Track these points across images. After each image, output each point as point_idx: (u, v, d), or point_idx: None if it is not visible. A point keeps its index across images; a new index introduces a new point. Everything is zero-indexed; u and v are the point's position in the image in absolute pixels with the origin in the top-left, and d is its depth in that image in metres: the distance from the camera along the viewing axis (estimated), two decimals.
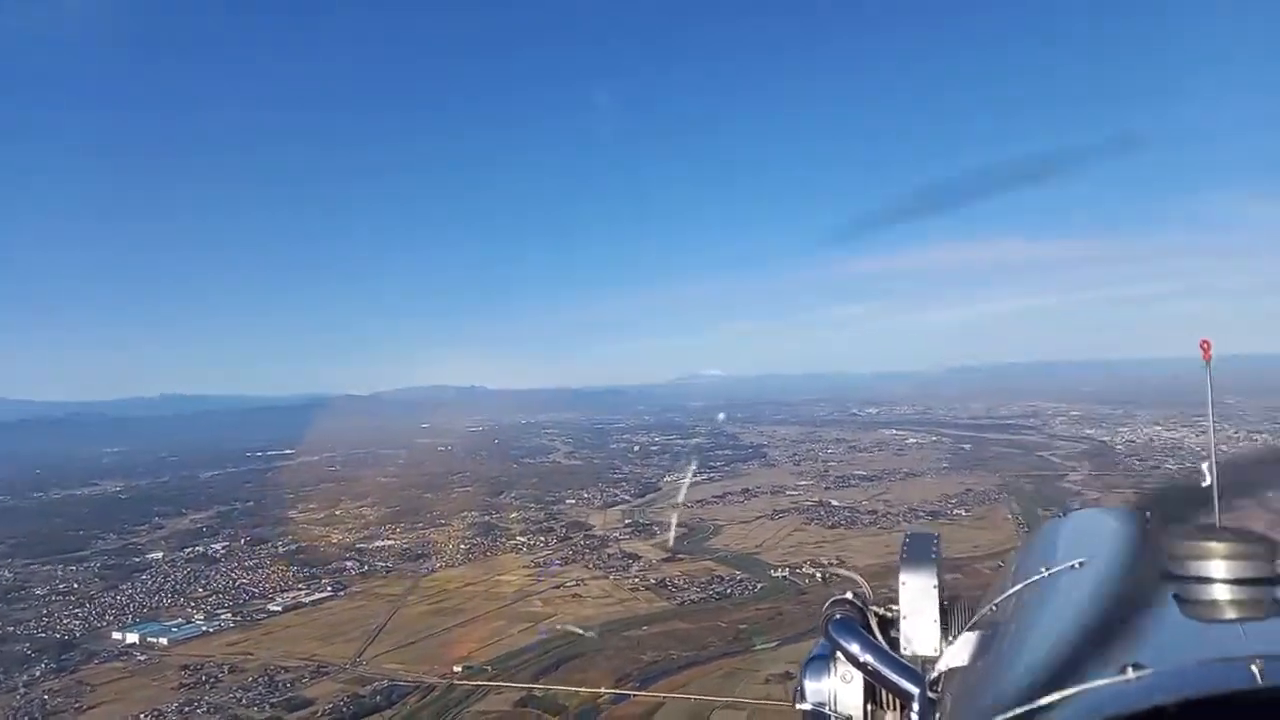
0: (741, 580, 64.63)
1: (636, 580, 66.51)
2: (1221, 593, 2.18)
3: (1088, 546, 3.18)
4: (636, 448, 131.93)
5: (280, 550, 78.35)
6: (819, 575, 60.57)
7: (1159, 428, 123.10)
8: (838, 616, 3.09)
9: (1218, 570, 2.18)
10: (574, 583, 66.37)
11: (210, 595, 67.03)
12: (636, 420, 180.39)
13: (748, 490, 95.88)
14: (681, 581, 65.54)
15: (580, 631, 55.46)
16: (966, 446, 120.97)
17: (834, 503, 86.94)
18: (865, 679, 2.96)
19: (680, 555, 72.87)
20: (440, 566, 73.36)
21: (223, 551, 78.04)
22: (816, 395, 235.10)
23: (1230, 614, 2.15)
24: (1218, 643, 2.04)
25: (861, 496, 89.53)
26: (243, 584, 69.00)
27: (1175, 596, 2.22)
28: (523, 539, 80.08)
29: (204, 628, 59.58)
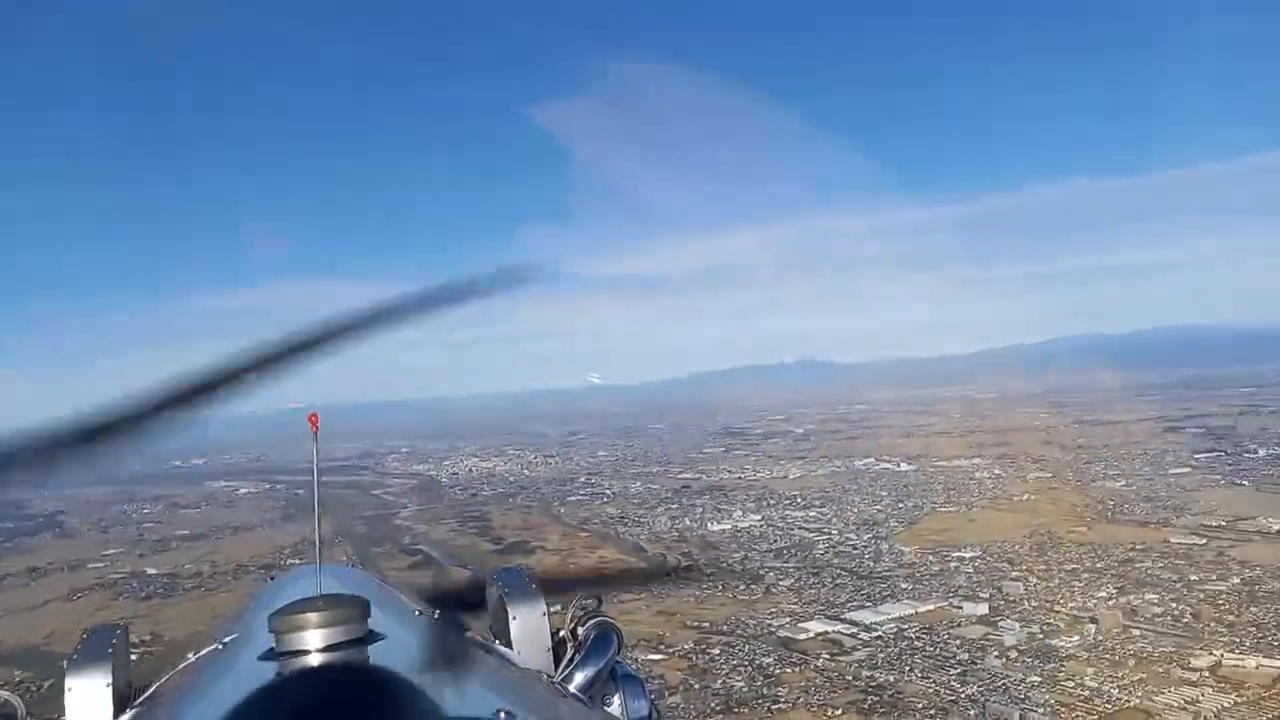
0: (21, 682, 52.36)
1: None
2: (318, 660, 2.21)
3: (249, 620, 3.01)
4: None
5: None
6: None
7: (476, 459, 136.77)
8: None
9: (315, 640, 2.21)
10: None
11: None
12: None
13: (35, 569, 79.48)
14: None
15: None
16: (301, 492, 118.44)
17: (150, 571, 76.95)
18: None
19: None
20: None
21: None
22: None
23: (327, 681, 2.20)
24: (315, 714, 2.12)
25: (184, 559, 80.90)
26: None
27: (278, 673, 2.20)
28: None
29: None
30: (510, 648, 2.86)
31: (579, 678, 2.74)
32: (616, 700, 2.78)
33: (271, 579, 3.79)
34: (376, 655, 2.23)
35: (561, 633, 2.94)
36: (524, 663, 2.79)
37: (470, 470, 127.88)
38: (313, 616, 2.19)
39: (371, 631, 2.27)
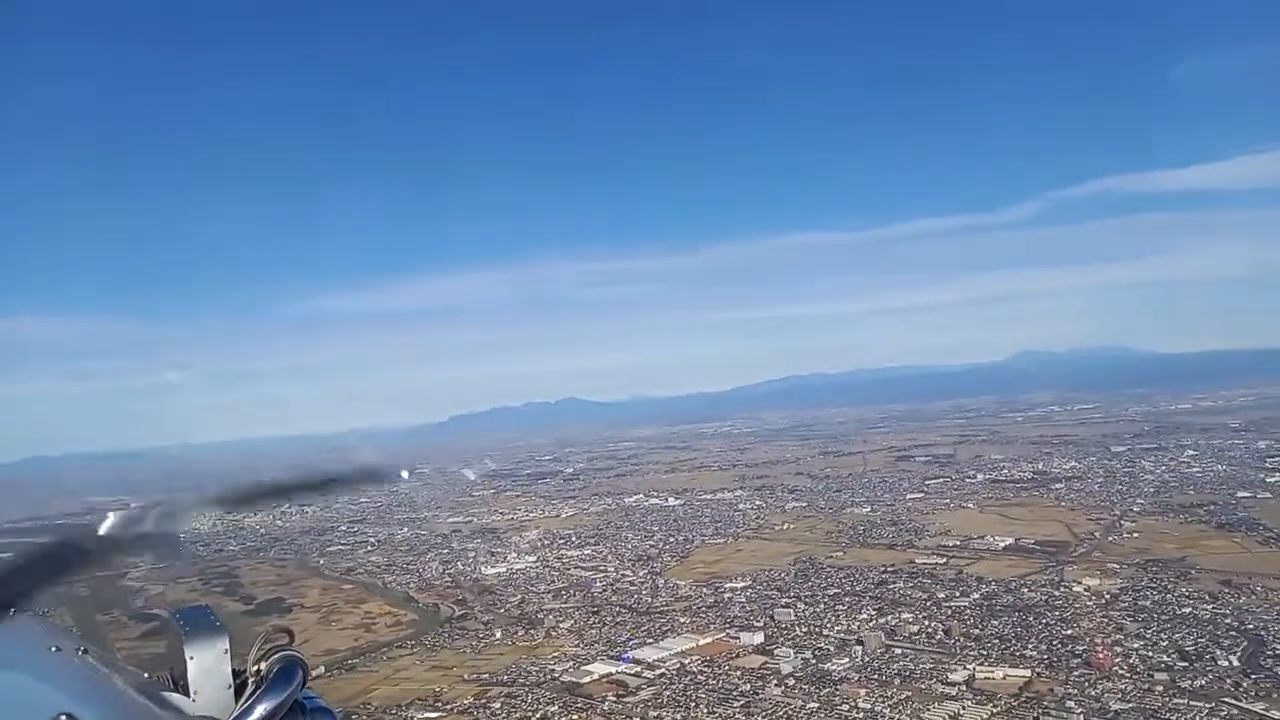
0: None
1: None
2: None
3: None
4: None
5: None
6: None
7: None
8: None
9: None
10: None
11: None
12: None
13: None
14: None
15: None
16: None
17: None
18: None
19: None
20: None
21: None
22: None
23: None
24: None
25: None
26: None
27: None
28: None
29: None
30: (186, 689, 2.81)
31: (257, 712, 2.70)
32: None
33: None
34: None
35: (246, 672, 2.89)
36: (200, 704, 2.76)
37: (214, 525, 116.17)
38: None
39: None
